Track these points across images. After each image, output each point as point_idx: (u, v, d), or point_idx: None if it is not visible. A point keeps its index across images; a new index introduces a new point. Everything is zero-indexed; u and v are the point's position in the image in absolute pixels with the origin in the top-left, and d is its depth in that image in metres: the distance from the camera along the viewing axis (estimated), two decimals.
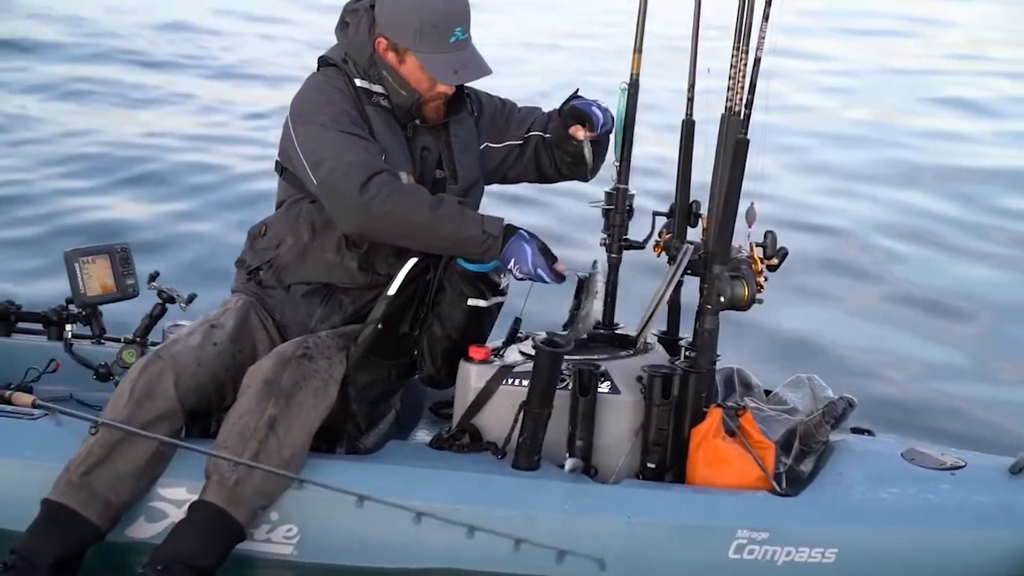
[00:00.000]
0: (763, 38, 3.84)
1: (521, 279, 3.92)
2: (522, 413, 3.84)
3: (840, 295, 7.87)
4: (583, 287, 4.29)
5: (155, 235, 8.01)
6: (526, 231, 3.92)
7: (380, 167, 3.86)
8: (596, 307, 4.06)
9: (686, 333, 4.17)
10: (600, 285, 4.07)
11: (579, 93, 4.22)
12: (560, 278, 3.94)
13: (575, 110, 4.15)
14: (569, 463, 3.87)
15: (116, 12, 16.52)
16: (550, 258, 3.91)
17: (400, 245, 3.97)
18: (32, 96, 12.09)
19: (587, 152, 4.15)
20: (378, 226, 3.85)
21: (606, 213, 4.24)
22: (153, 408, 3.72)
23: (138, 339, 4.52)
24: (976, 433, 5.70)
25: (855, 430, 4.35)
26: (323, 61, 4.15)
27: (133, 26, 15.75)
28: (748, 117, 3.91)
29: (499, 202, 7.45)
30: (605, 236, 4.25)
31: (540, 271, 3.88)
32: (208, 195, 9.04)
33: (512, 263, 3.87)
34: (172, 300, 4.55)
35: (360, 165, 3.83)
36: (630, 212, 4.24)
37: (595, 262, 4.07)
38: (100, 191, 9.17)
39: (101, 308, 4.62)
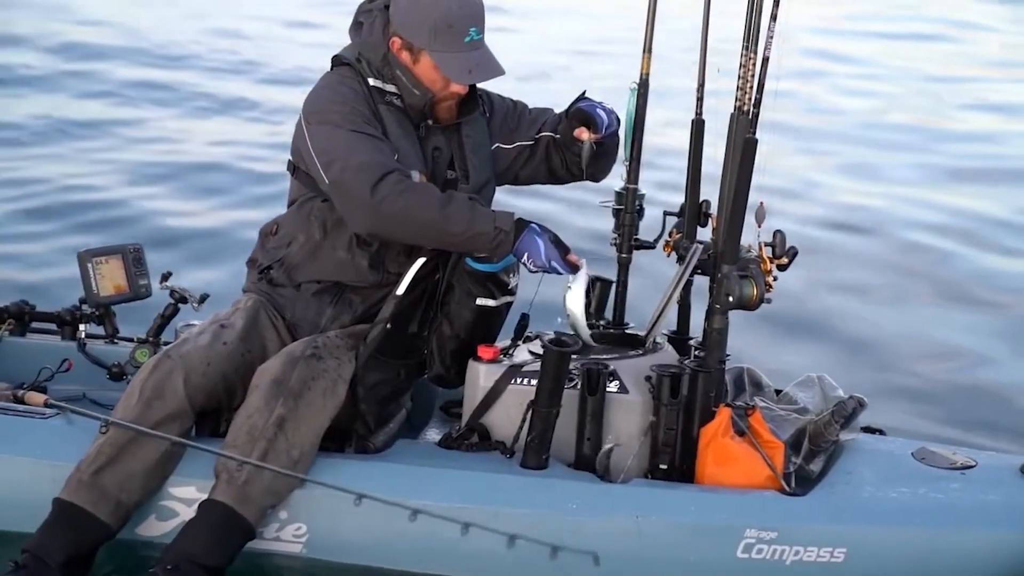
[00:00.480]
0: (771, 38, 3.84)
1: (534, 272, 3.93)
2: (530, 412, 3.85)
3: (883, 291, 7.97)
4: (593, 285, 4.31)
5: (219, 242, 8.05)
6: (537, 224, 3.92)
7: (391, 167, 3.87)
8: (573, 309, 3.99)
9: (697, 333, 4.16)
10: (577, 286, 3.97)
11: (586, 95, 4.24)
12: (575, 269, 3.93)
13: (580, 112, 4.17)
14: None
15: (165, 20, 16.37)
16: (563, 249, 3.91)
17: (412, 243, 3.99)
18: (95, 101, 12.07)
19: (585, 154, 4.13)
20: (389, 226, 3.86)
21: (616, 213, 4.26)
22: (163, 408, 3.73)
23: (151, 339, 4.55)
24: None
25: (866, 429, 4.33)
26: (337, 60, 4.16)
27: (181, 33, 15.59)
28: (756, 116, 3.91)
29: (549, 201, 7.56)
30: (615, 236, 4.27)
31: (554, 263, 3.88)
32: (272, 204, 8.96)
33: (525, 257, 3.87)
34: (184, 300, 4.58)
35: (371, 165, 3.84)
36: (640, 212, 4.25)
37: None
38: (165, 197, 9.21)
39: (114, 308, 4.65)
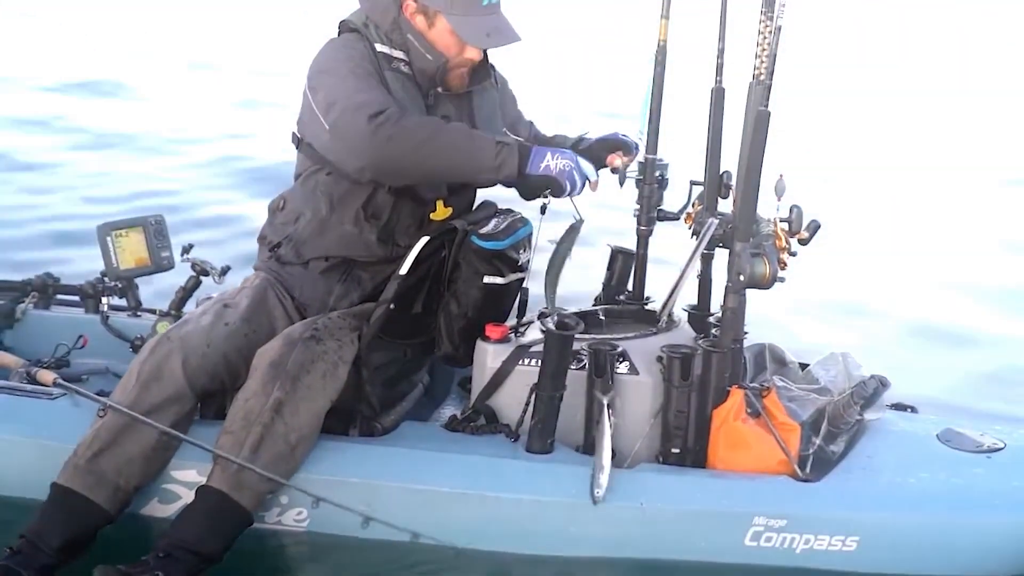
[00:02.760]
0: (783, 6, 3.68)
1: (558, 174, 3.77)
2: (534, 396, 3.77)
3: None
4: (616, 257, 4.22)
5: None
6: None
7: (391, 105, 3.76)
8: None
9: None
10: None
11: (587, 135, 4.22)
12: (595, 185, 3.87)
13: (607, 142, 4.14)
14: None
15: None
16: None
17: (413, 174, 3.84)
18: None
19: (626, 176, 4.09)
20: (386, 153, 3.70)
21: (638, 184, 4.16)
22: (160, 391, 3.70)
23: (173, 311, 4.55)
24: None
25: (896, 406, 4.20)
26: (343, 26, 4.08)
27: None
28: (770, 88, 3.75)
29: None
30: (637, 207, 4.16)
31: (580, 163, 3.80)
32: None
33: (550, 156, 3.78)
34: (206, 272, 4.58)
35: (371, 102, 3.73)
36: (663, 182, 4.15)
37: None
38: None
39: (137, 281, 4.65)
